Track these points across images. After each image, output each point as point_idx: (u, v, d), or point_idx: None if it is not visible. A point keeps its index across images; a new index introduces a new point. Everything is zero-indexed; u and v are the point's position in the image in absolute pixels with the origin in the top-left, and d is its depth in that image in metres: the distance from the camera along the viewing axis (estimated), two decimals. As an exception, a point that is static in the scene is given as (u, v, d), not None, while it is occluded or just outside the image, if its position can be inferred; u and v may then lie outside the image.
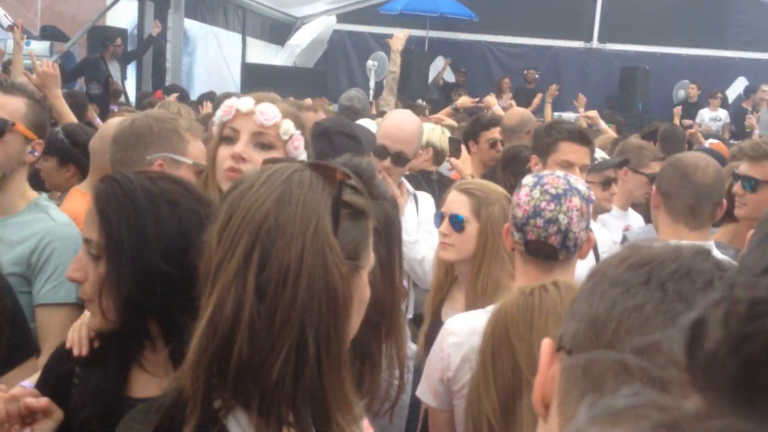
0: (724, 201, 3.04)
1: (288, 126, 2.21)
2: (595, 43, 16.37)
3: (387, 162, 3.45)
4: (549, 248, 2.20)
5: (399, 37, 6.78)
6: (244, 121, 2.21)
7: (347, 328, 1.28)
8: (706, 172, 2.95)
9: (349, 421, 1.28)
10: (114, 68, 10.75)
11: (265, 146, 2.20)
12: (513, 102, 11.47)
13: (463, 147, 4.60)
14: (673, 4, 15.50)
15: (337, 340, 1.25)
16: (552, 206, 2.19)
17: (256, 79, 11.64)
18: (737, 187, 3.31)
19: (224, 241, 1.24)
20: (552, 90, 9.65)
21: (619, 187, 4.27)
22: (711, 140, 7.87)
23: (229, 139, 2.21)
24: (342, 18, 16.23)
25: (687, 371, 0.38)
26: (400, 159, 3.48)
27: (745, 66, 15.80)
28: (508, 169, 4.29)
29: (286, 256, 1.21)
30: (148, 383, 1.55)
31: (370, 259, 1.37)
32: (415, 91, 13.88)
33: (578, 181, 2.30)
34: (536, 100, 11.78)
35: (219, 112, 2.25)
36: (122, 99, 10.44)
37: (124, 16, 12.84)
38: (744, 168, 3.34)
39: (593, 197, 2.31)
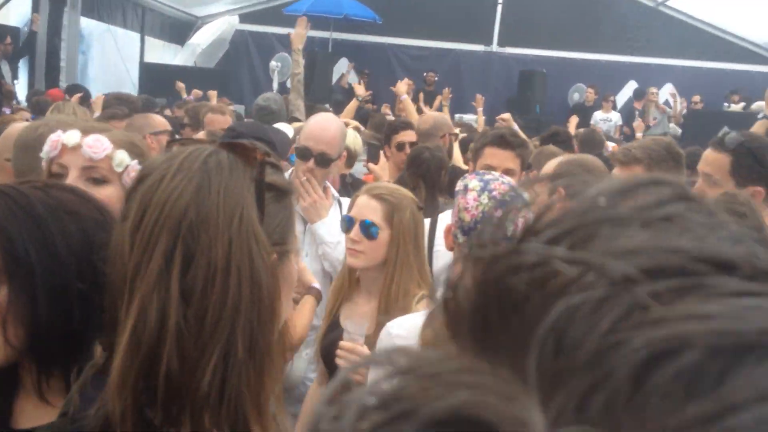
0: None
1: (122, 157, 2.07)
2: (495, 47, 16.75)
3: (310, 163, 3.44)
4: None
5: (299, 33, 6.54)
6: (72, 156, 2.05)
7: (274, 327, 1.18)
8: (603, 170, 3.04)
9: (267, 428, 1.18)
10: (5, 68, 10.32)
11: (98, 181, 2.05)
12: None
13: (381, 153, 4.65)
14: (570, 10, 16.00)
15: (264, 341, 1.14)
16: (500, 212, 2.21)
17: (154, 79, 11.42)
18: None
19: (139, 242, 1.11)
20: (446, 93, 9.85)
21: None
22: (610, 143, 8.16)
23: (58, 176, 2.04)
24: (245, 18, 16.07)
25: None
26: (323, 160, 3.47)
27: (636, 70, 16.48)
28: (410, 170, 4.36)
29: (213, 253, 1.10)
30: (37, 411, 1.37)
31: (296, 239, 1.29)
32: (318, 93, 13.86)
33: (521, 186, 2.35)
34: (437, 102, 12.00)
35: (45, 147, 2.09)
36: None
37: (16, 14, 12.33)
38: (616, 173, 3.27)
39: None
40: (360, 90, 9.03)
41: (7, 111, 7.32)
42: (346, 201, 3.76)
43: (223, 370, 1.10)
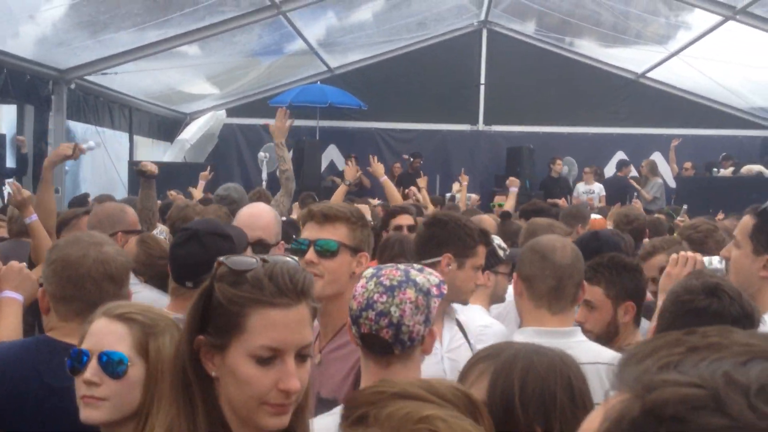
0: (584, 282, 2.99)
1: None
2: (481, 126, 16.95)
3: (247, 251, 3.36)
4: (382, 342, 2.10)
5: (279, 126, 5.89)
6: None
7: None
8: (564, 252, 2.90)
9: None
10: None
11: None
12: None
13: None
14: (551, 86, 16.28)
15: None
16: (384, 298, 2.11)
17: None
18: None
19: None
20: (422, 181, 9.87)
21: None
22: (592, 215, 8.13)
23: None
24: (232, 112, 16.30)
25: None
26: (260, 246, 3.40)
27: (622, 141, 16.64)
28: (383, 257, 4.33)
29: None
30: None
31: None
32: (308, 180, 13.95)
33: (420, 274, 2.20)
34: (420, 183, 12.03)
35: None
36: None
37: (1, 121, 12.46)
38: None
39: (443, 290, 2.21)
40: (350, 173, 9.02)
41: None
42: None
43: None
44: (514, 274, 3.03)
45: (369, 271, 2.23)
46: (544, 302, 2.86)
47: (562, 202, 11.05)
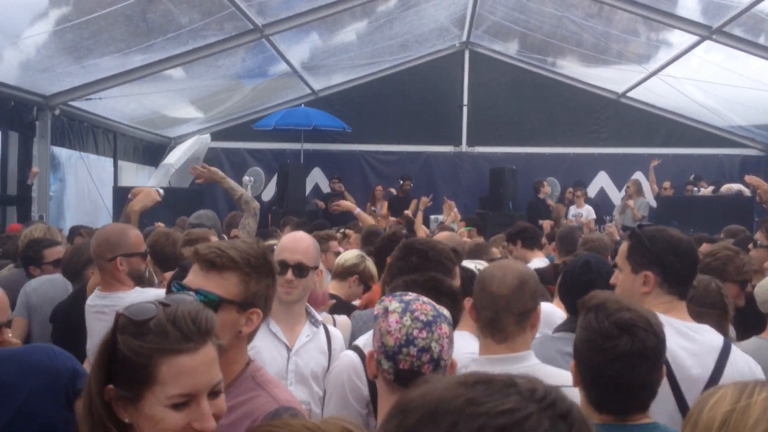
0: (539, 308, 2.90)
1: None
2: (464, 147, 17.05)
3: (289, 274, 3.37)
4: (421, 377, 2.10)
5: (206, 178, 5.29)
6: None
7: None
8: (503, 282, 2.84)
9: None
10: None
11: None
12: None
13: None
14: (532, 107, 16.43)
15: None
16: (424, 334, 2.15)
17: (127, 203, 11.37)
18: None
19: None
20: (425, 201, 9.92)
21: None
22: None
23: None
24: (217, 135, 16.31)
25: None
26: (299, 269, 3.42)
27: (604, 161, 16.79)
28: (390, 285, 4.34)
29: None
30: None
31: None
32: (293, 203, 13.97)
33: (439, 306, 2.26)
34: (412, 206, 12.09)
35: None
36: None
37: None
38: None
39: (451, 321, 2.28)
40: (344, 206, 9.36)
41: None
42: (336, 329, 3.67)
43: None
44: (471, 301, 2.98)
45: (396, 305, 2.23)
46: (487, 332, 2.84)
47: (547, 224, 11.12)
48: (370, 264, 5.19)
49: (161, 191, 5.50)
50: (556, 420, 0.93)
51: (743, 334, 3.99)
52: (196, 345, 1.70)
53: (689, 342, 2.88)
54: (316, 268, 3.51)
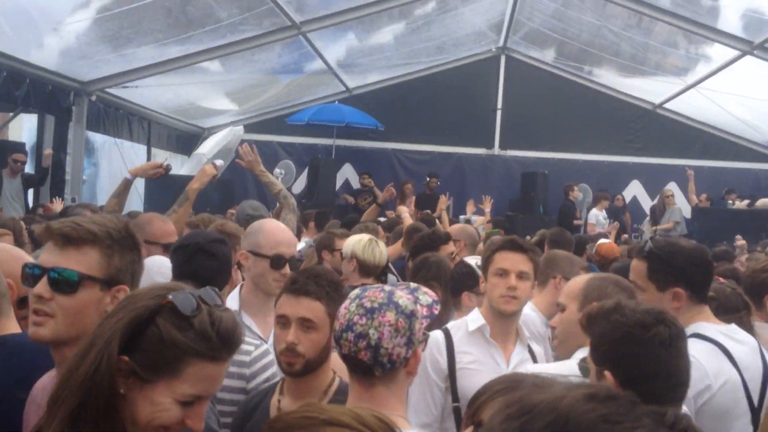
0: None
1: None
2: (496, 150, 16.99)
3: (286, 269, 3.40)
4: (362, 363, 2.13)
5: (248, 163, 5.28)
6: None
7: None
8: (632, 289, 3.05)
9: None
10: (10, 184, 10.47)
11: None
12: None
13: None
14: (568, 114, 16.32)
15: None
16: (363, 321, 2.13)
17: (159, 189, 11.53)
18: None
19: None
20: (444, 200, 9.96)
21: (550, 295, 4.27)
22: (602, 240, 8.19)
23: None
24: (250, 128, 16.39)
25: None
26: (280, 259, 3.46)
27: (638, 170, 16.64)
28: (417, 276, 4.38)
29: None
30: None
31: None
32: (323, 198, 14.02)
33: (407, 296, 2.20)
34: (440, 204, 12.11)
35: None
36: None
37: (22, 130, 12.63)
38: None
39: (434, 311, 2.20)
40: (384, 196, 9.38)
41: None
42: None
43: None
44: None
45: (355, 292, 2.25)
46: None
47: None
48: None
49: (218, 164, 5.48)
50: None
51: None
52: (226, 357, 1.72)
53: (739, 344, 2.96)
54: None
